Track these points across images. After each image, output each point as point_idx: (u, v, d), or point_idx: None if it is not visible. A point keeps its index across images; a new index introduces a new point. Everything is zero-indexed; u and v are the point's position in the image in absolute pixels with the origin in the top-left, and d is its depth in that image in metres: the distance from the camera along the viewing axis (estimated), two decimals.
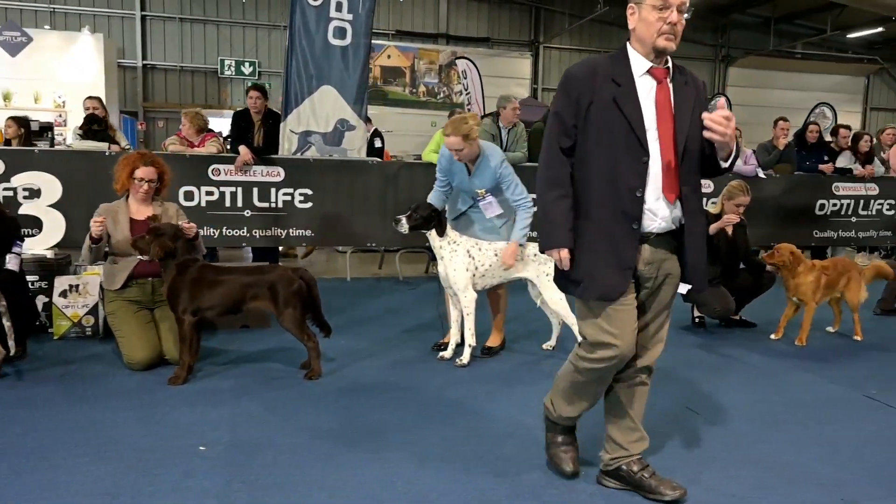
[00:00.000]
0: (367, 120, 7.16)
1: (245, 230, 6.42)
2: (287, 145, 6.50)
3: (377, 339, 4.64)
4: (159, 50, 17.20)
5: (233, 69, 17.42)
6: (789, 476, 2.74)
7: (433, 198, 4.33)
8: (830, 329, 5.19)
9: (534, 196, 2.77)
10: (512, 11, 19.57)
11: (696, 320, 5.24)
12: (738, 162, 7.80)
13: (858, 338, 4.95)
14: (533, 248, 4.05)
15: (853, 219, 8.11)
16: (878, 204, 8.24)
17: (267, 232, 6.49)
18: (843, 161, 8.15)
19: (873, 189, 8.18)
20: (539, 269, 4.06)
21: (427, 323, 5.04)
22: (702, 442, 3.05)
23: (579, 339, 2.55)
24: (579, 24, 19.36)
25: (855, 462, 2.90)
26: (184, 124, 6.56)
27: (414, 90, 18.85)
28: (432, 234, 4.02)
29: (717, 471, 2.76)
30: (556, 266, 2.47)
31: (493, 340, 4.41)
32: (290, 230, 6.55)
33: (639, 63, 2.34)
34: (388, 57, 18.60)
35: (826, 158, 8.10)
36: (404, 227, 3.99)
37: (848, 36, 19.07)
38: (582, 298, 2.44)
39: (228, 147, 6.68)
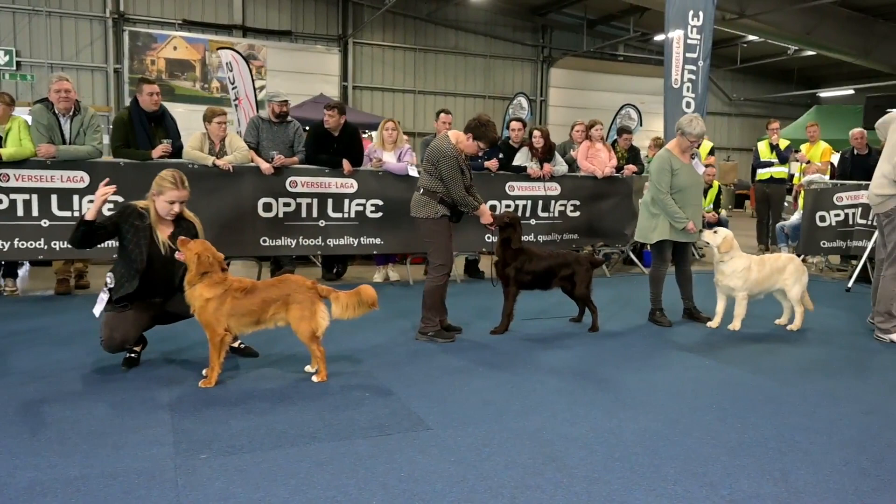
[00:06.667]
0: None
1: None
2: None
3: None
4: None
5: None
6: None
7: None
8: (311, 370, 3.81)
9: None
10: (317, 3, 18.47)
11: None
12: (390, 158, 6.92)
13: (313, 372, 3.74)
14: None
15: (532, 221, 7.38)
16: (561, 205, 7.57)
17: None
18: (521, 159, 7.42)
19: (554, 189, 7.49)
20: None
21: None
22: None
23: None
24: (392, 21, 18.55)
25: None
26: None
27: (206, 85, 17.41)
28: None
29: None
30: None
31: None
32: None
33: None
34: (175, 49, 17.10)
35: (501, 156, 7.35)
36: None
37: (655, 39, 19.10)
38: None
39: None
